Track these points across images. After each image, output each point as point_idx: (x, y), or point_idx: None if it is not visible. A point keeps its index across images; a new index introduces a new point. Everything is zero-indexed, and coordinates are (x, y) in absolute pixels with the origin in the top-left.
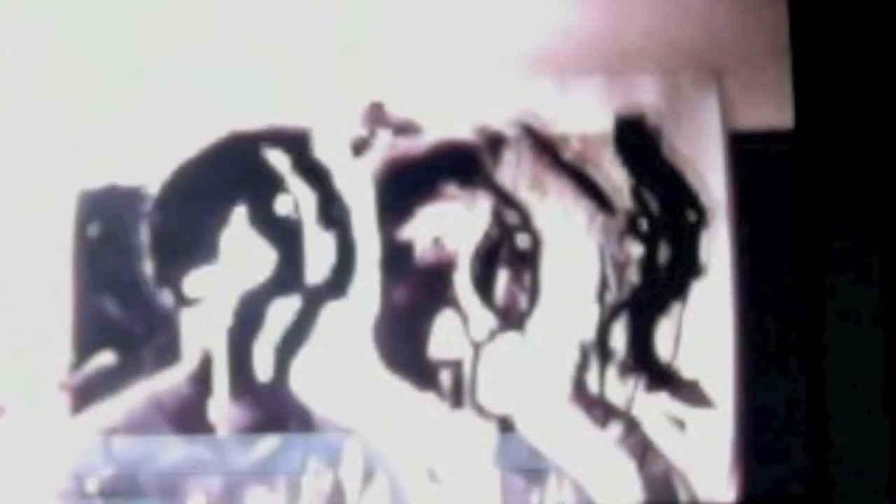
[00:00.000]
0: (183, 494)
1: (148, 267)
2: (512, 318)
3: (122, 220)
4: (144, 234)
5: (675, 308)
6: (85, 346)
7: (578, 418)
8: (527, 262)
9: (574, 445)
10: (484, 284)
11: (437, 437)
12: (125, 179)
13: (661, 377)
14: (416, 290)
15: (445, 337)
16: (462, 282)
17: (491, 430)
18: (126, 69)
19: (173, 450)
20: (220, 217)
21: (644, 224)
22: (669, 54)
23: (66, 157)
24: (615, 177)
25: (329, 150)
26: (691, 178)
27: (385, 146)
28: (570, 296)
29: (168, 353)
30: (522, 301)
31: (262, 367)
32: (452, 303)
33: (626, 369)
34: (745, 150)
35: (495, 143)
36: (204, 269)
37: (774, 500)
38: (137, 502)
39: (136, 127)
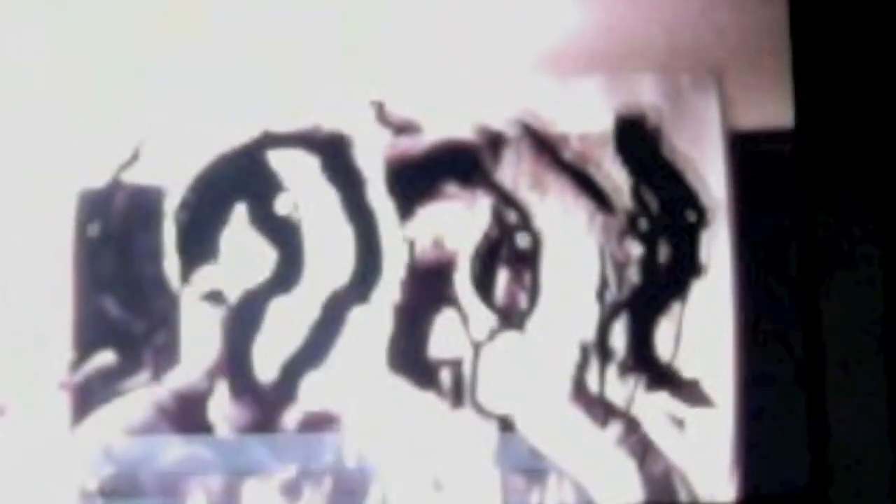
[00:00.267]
0: (183, 494)
1: (149, 267)
2: (512, 318)
3: (125, 220)
4: (150, 234)
5: (676, 308)
6: (85, 346)
7: (578, 418)
8: (527, 262)
9: (574, 445)
10: (484, 284)
11: (436, 436)
12: (129, 178)
13: (661, 377)
14: (416, 289)
15: (445, 336)
16: (462, 281)
17: (491, 430)
18: (126, 69)
19: (174, 449)
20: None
21: (644, 224)
22: (669, 54)
23: (66, 157)
24: (615, 176)
25: (362, 156)
26: (691, 178)
27: (385, 146)
28: (570, 295)
29: (169, 352)
30: (522, 300)
31: (263, 367)
32: (452, 302)
33: (627, 369)
34: (745, 150)
35: (495, 142)
36: (216, 269)
37: (775, 500)
38: (137, 502)
39: (136, 127)
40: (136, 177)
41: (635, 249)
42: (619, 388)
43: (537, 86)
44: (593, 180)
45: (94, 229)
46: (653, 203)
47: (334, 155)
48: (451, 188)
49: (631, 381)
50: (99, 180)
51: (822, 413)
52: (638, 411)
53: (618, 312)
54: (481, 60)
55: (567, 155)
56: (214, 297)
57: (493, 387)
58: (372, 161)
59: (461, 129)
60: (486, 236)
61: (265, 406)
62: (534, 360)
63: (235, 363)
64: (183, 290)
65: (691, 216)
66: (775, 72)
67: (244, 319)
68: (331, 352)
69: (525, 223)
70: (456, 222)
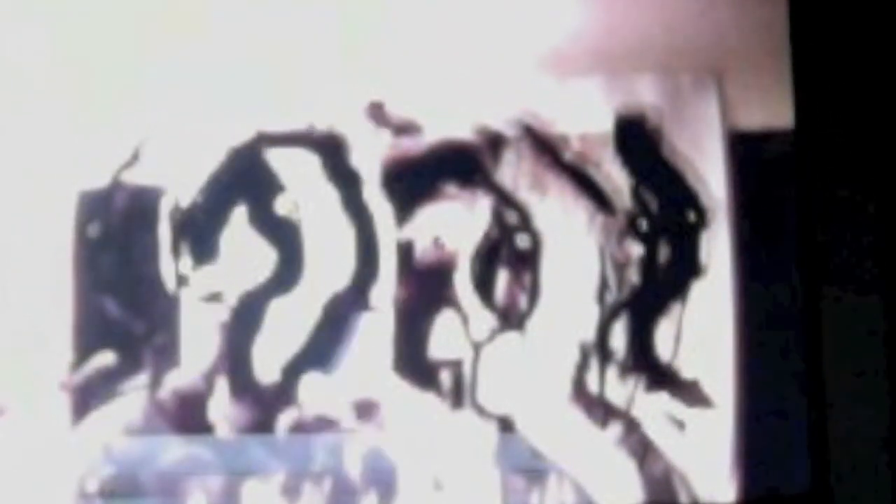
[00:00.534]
0: (183, 494)
1: (149, 268)
2: (512, 319)
3: (125, 220)
4: (150, 235)
5: (675, 308)
6: (85, 346)
7: (578, 418)
8: (527, 262)
9: (574, 445)
10: (484, 284)
11: (437, 437)
12: (129, 179)
13: (661, 377)
14: (416, 290)
15: (445, 337)
16: (462, 282)
17: (491, 431)
18: (126, 69)
19: (173, 450)
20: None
21: (644, 224)
22: (669, 54)
23: (66, 157)
24: (615, 177)
25: (361, 156)
26: (691, 179)
27: (385, 146)
28: (570, 296)
29: (169, 353)
30: (522, 301)
31: (263, 367)
32: (452, 303)
33: (626, 369)
34: (745, 151)
35: (495, 143)
36: (215, 269)
37: (775, 501)
38: (137, 502)
39: (136, 127)
40: (135, 177)
41: (635, 250)
42: (619, 389)
43: (537, 86)
44: (593, 181)
45: (94, 230)
46: (653, 203)
47: (334, 155)
48: (451, 188)
49: (631, 381)
50: (99, 181)
51: (822, 414)
52: (638, 412)
53: (618, 313)
54: (481, 61)
55: (567, 155)
56: (214, 297)
57: (493, 387)
58: (372, 161)
59: (461, 130)
60: (486, 237)
61: (265, 406)
62: (534, 361)
63: (235, 363)
64: (182, 291)
65: (691, 216)
66: (775, 72)
67: (244, 320)
68: (330, 352)
69: (525, 223)
70: (456, 223)
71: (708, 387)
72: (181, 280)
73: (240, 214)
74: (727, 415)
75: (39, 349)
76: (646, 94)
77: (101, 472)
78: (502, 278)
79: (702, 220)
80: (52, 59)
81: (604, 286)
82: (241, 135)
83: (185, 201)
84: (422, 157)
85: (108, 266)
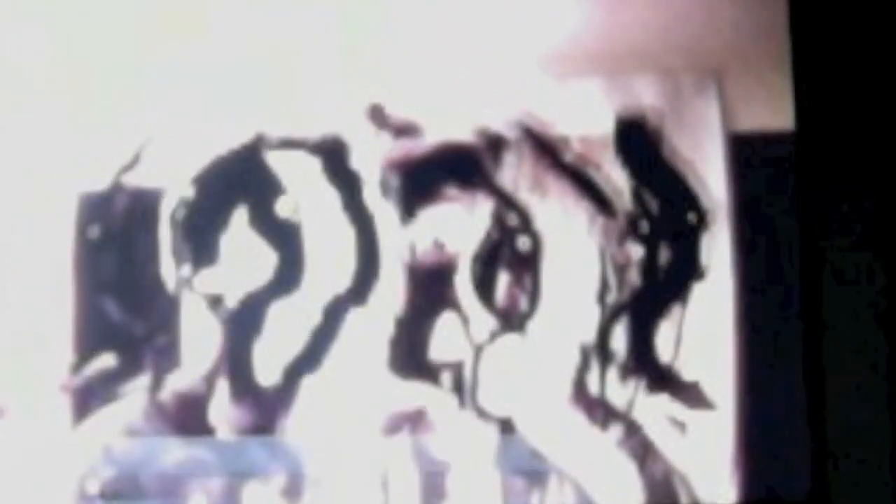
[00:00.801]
0: (184, 496)
1: (149, 270)
2: (512, 320)
3: (125, 222)
4: (150, 237)
5: (676, 310)
6: (86, 348)
7: (579, 420)
8: (527, 264)
9: (575, 447)
10: (484, 286)
11: (437, 438)
12: (129, 181)
13: (661, 379)
14: (417, 291)
15: (446, 339)
16: (462, 283)
17: (492, 432)
18: (126, 69)
19: (174, 451)
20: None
21: (644, 226)
22: (669, 55)
23: (66, 158)
24: (616, 178)
25: (362, 158)
26: (692, 180)
27: (385, 148)
28: (570, 297)
29: (169, 354)
30: (523, 303)
31: (264, 369)
32: (453, 304)
33: (627, 371)
34: (745, 152)
35: (496, 144)
36: (216, 271)
37: (775, 503)
38: None
39: (136, 128)
40: (136, 179)
41: (636, 251)
42: (619, 391)
43: (538, 88)
44: (594, 182)
45: (94, 231)
46: (653, 205)
47: (334, 157)
48: (452, 190)
49: (631, 383)
50: (99, 182)
51: (822, 415)
52: (638, 413)
53: (618, 314)
54: (482, 62)
55: (567, 157)
56: (215, 299)
57: (493, 389)
58: (372, 163)
59: (462, 132)
60: (487, 238)
61: (265, 408)
62: (534, 363)
63: (236, 365)
64: (183, 293)
65: (692, 218)
66: (776, 73)
67: (244, 322)
68: (331, 354)
69: (525, 225)
70: (456, 224)
71: (708, 388)
72: (181, 282)
73: (240, 216)
74: (728, 416)
75: (40, 350)
76: (646, 96)
77: (102, 473)
78: (503, 280)
79: (702, 221)
80: (52, 59)
81: (604, 288)
82: (242, 136)
83: (186, 203)
84: (422, 158)
85: (109, 268)
